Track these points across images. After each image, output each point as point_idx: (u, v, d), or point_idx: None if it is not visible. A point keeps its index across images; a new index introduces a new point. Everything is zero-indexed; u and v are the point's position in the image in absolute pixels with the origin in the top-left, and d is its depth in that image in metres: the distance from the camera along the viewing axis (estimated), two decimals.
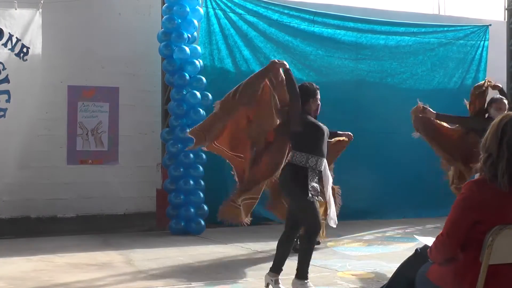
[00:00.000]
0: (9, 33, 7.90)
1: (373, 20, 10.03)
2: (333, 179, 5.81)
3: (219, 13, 9.09)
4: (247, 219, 5.61)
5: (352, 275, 5.77)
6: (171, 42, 8.28)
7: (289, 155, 5.15)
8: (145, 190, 8.89)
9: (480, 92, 6.62)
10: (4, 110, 7.90)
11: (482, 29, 10.70)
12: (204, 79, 8.47)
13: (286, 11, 9.53)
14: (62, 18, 8.49)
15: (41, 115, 8.21)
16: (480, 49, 10.71)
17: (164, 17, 8.36)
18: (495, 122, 2.89)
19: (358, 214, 9.46)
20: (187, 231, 8.10)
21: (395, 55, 10.21)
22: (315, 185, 4.97)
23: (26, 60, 7.97)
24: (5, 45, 7.87)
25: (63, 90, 8.60)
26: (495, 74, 10.83)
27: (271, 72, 5.27)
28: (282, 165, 5.16)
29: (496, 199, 2.81)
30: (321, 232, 6.19)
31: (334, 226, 5.53)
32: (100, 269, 6.02)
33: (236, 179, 5.41)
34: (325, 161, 5.15)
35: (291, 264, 6.29)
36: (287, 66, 5.26)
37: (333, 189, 6.11)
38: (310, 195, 4.89)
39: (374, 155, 9.59)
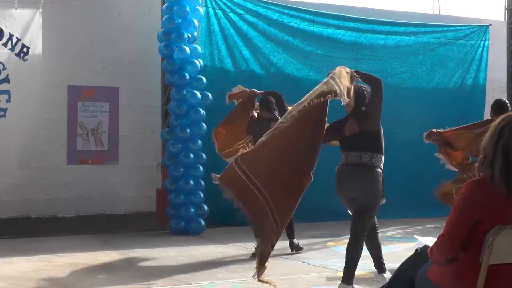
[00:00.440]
0: (9, 33, 7.90)
1: (373, 20, 10.03)
2: None
3: (219, 13, 9.09)
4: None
5: None
6: (171, 42, 8.27)
7: (371, 156, 4.84)
8: (145, 190, 8.89)
9: None
10: (5, 110, 7.90)
11: (482, 29, 10.70)
12: (204, 79, 8.46)
13: (286, 11, 9.53)
14: (62, 18, 8.49)
15: (41, 115, 8.21)
16: (481, 49, 10.70)
17: (164, 17, 8.36)
18: (495, 124, 2.89)
19: None
20: (187, 231, 8.10)
21: (395, 55, 10.20)
22: None
23: (26, 60, 7.97)
24: (5, 45, 7.87)
25: (63, 90, 8.59)
26: (495, 74, 10.87)
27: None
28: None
29: (496, 199, 2.81)
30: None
31: None
32: (100, 269, 6.02)
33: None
34: None
35: (291, 264, 6.30)
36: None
37: None
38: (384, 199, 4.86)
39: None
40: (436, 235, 3.01)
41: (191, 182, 8.19)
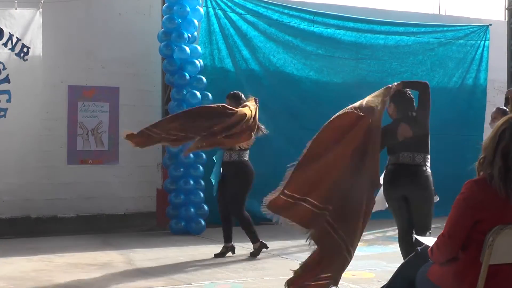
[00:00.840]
0: (9, 33, 7.90)
1: (373, 20, 10.02)
2: None
3: (219, 13, 9.09)
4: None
5: (353, 275, 5.76)
6: (172, 42, 8.27)
7: (424, 157, 5.08)
8: (145, 190, 8.89)
9: None
10: (5, 110, 7.90)
11: (482, 29, 10.69)
12: (204, 79, 8.46)
13: (286, 11, 9.53)
14: (62, 18, 8.48)
15: (42, 115, 8.21)
16: (481, 49, 10.69)
17: (165, 17, 8.36)
18: (497, 125, 2.88)
19: None
20: (187, 231, 8.10)
21: (395, 55, 10.20)
22: None
23: (27, 60, 7.97)
24: (5, 45, 7.87)
25: (63, 90, 8.59)
26: (496, 74, 10.87)
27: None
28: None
29: (496, 199, 2.80)
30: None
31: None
32: (100, 269, 6.02)
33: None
34: None
35: (291, 264, 6.29)
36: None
37: None
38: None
39: None
40: (437, 235, 3.00)
41: (191, 182, 8.20)
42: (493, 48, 10.74)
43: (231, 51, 9.16)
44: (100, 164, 8.81)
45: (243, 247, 7.16)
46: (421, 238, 3.45)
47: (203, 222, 8.18)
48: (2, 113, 7.89)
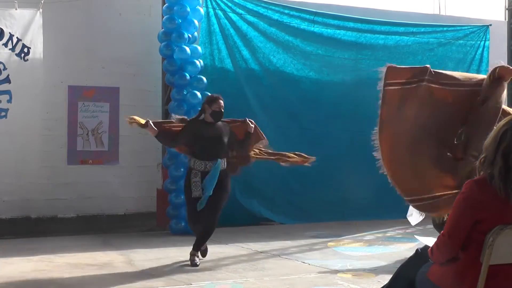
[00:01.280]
0: (9, 33, 7.90)
1: (373, 20, 10.02)
2: None
3: (219, 13, 9.09)
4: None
5: (353, 275, 5.77)
6: (172, 42, 8.27)
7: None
8: (145, 190, 8.88)
9: None
10: (6, 110, 7.90)
11: (482, 29, 10.69)
12: (204, 79, 8.46)
13: (286, 11, 9.53)
14: (62, 18, 8.48)
15: (42, 115, 8.21)
16: (481, 49, 10.69)
17: (165, 17, 8.35)
18: (499, 125, 2.88)
19: (359, 214, 9.46)
20: (187, 231, 8.07)
21: (394, 55, 10.19)
22: None
23: (27, 60, 7.97)
24: (5, 45, 7.87)
25: (63, 90, 8.59)
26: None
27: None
28: None
29: (497, 199, 2.80)
30: None
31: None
32: (100, 269, 6.02)
33: None
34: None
35: (291, 264, 6.29)
36: None
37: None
38: None
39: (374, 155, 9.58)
40: (437, 235, 3.00)
41: None
42: (493, 48, 10.73)
43: (231, 51, 9.16)
44: (100, 164, 8.81)
45: (243, 247, 7.17)
46: (421, 238, 3.45)
47: None
48: (3, 113, 7.89)
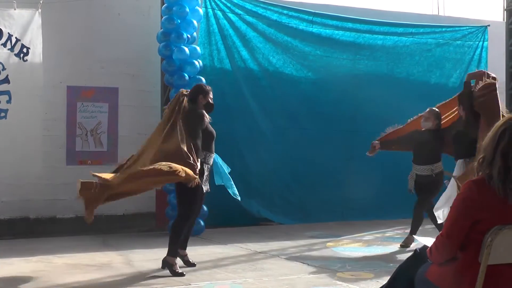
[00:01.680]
0: (8, 33, 7.90)
1: (372, 21, 10.03)
2: None
3: (219, 13, 9.09)
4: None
5: (352, 275, 5.77)
6: (171, 42, 8.27)
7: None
8: None
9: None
10: (5, 111, 7.89)
11: (480, 30, 10.70)
12: (203, 79, 8.46)
13: (285, 12, 9.53)
14: (61, 18, 8.48)
15: (41, 115, 8.20)
16: (479, 49, 10.70)
17: (164, 17, 8.35)
18: (497, 125, 2.88)
19: (358, 215, 9.47)
20: None
21: (392, 55, 10.21)
22: None
23: (26, 60, 7.96)
24: (4, 45, 7.87)
25: (62, 90, 8.59)
26: (495, 75, 10.86)
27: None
28: None
29: (495, 199, 2.81)
30: None
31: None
32: (100, 270, 6.02)
33: None
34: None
35: (290, 265, 6.29)
36: None
37: None
38: None
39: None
40: (435, 235, 3.01)
41: None
42: (492, 49, 10.74)
43: (230, 51, 9.17)
44: (99, 164, 8.80)
45: (242, 248, 7.17)
46: (419, 238, 3.45)
47: (202, 223, 8.16)
48: (3, 114, 7.88)
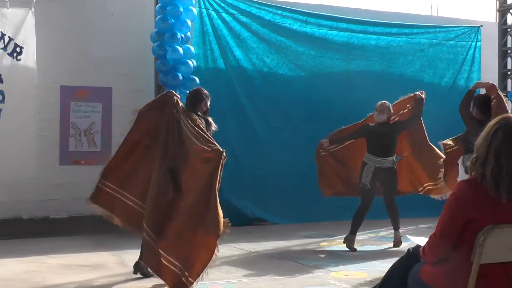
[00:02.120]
0: (1, 32, 7.87)
1: (366, 21, 10.05)
2: None
3: (212, 13, 9.09)
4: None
5: (345, 275, 5.78)
6: (165, 42, 8.27)
7: None
8: None
9: None
10: None
11: (473, 30, 10.75)
12: (197, 79, 8.46)
13: (279, 12, 9.54)
14: (54, 17, 8.45)
15: (34, 115, 8.17)
16: (472, 49, 10.75)
17: (158, 17, 8.35)
18: (489, 125, 2.89)
19: (351, 214, 9.46)
20: None
21: (385, 55, 10.23)
22: None
23: (20, 60, 7.93)
24: None
25: (55, 90, 8.56)
26: (487, 75, 10.90)
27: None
28: None
29: (487, 199, 2.82)
30: None
31: None
32: (93, 270, 6.01)
33: None
34: None
35: (284, 265, 6.29)
36: None
37: None
38: None
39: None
40: (429, 235, 3.02)
41: None
42: (485, 50, 10.79)
43: (224, 51, 9.17)
44: (93, 164, 8.77)
45: (236, 248, 7.17)
46: (413, 238, 3.46)
47: None
48: None
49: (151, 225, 5.02)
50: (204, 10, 9.00)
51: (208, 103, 5.98)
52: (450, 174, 6.50)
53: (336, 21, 9.85)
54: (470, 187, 2.86)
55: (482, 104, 6.01)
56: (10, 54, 7.91)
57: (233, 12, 9.22)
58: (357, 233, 7.30)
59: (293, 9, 9.67)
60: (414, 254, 3.21)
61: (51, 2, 8.24)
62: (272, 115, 9.40)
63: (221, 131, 8.37)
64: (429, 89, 10.26)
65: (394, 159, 7.29)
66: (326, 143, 7.53)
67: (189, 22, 8.45)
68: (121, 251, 6.97)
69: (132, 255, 6.70)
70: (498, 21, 11.19)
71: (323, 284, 5.40)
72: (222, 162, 4.90)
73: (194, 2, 8.65)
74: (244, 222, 8.91)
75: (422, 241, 3.12)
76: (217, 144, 5.04)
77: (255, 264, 6.32)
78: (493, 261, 2.82)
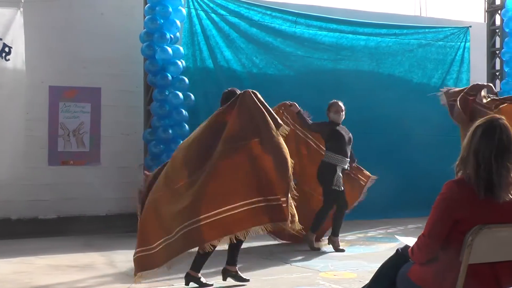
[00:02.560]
0: None
1: (356, 22, 10.07)
2: None
3: (201, 13, 9.08)
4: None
5: (334, 275, 5.79)
6: (154, 42, 8.25)
7: None
8: (127, 191, 8.82)
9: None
10: None
11: (462, 31, 10.81)
12: (186, 79, 8.45)
13: (268, 12, 9.54)
14: (43, 17, 8.41)
15: (22, 115, 8.13)
16: (461, 50, 10.81)
17: (147, 17, 8.33)
18: (474, 125, 2.91)
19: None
20: None
21: (374, 56, 10.26)
22: None
23: (9, 60, 7.89)
24: None
25: (44, 90, 8.52)
26: (476, 76, 10.97)
27: None
28: None
29: (476, 199, 2.83)
30: None
31: None
32: (82, 271, 5.99)
33: None
34: None
35: (273, 265, 6.29)
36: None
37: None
38: None
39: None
40: (418, 235, 3.03)
41: None
42: (473, 50, 10.86)
43: (213, 52, 9.16)
44: (82, 165, 8.75)
45: (225, 248, 7.14)
46: (401, 238, 3.47)
47: None
48: None
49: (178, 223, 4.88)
50: (193, 10, 8.98)
51: None
52: None
53: (325, 21, 9.87)
54: (459, 187, 2.88)
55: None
56: None
57: (222, 12, 9.21)
58: (346, 234, 7.32)
59: (282, 9, 9.68)
60: (403, 254, 3.22)
61: (39, 2, 8.20)
62: None
63: None
64: (418, 89, 10.33)
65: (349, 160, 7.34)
66: (295, 108, 7.45)
67: (178, 22, 8.44)
68: (110, 251, 6.95)
69: (121, 256, 6.69)
70: (486, 22, 11.26)
71: (312, 285, 5.41)
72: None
73: (183, 2, 8.63)
74: None
75: (411, 241, 3.13)
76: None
77: (245, 264, 6.31)
78: (481, 261, 2.83)
